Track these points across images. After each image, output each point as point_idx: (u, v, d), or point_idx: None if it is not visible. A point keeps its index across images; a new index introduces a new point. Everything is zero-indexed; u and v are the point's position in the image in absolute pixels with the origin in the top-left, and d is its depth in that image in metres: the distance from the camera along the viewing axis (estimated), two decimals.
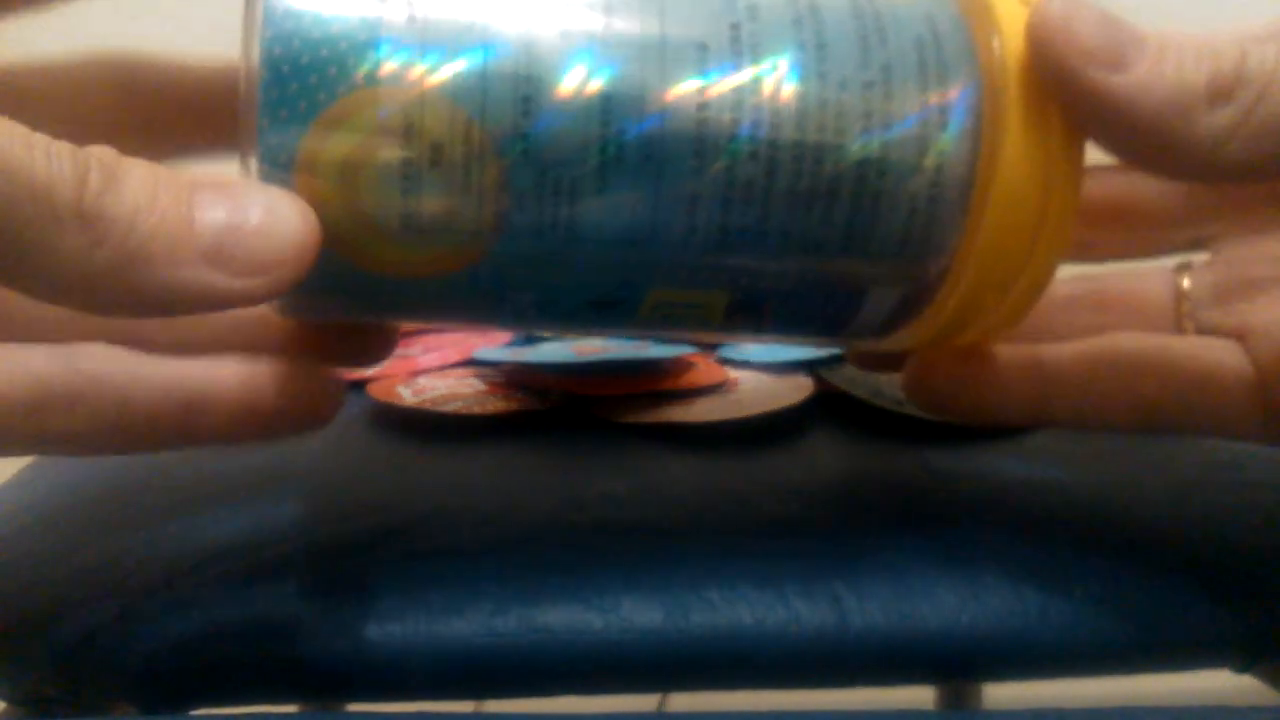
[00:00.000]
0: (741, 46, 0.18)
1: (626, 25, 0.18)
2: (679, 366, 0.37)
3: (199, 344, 0.20)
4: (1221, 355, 0.23)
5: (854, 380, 0.35)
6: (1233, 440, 0.24)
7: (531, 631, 0.24)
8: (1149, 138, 0.18)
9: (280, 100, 0.17)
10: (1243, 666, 0.27)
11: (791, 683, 0.25)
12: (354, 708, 0.25)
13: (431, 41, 0.18)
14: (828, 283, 0.21)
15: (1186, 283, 0.25)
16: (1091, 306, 0.26)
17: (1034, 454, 0.32)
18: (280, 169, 0.18)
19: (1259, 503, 0.29)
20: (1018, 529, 0.27)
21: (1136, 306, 0.26)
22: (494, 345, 0.41)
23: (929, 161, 0.19)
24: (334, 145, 0.18)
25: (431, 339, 0.44)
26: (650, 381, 0.36)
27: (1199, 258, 0.25)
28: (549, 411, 0.34)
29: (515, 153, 0.18)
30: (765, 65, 0.19)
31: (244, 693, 0.24)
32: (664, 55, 0.18)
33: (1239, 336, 0.23)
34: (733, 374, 0.37)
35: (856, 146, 0.19)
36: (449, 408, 0.34)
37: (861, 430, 0.34)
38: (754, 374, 0.37)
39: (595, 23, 0.18)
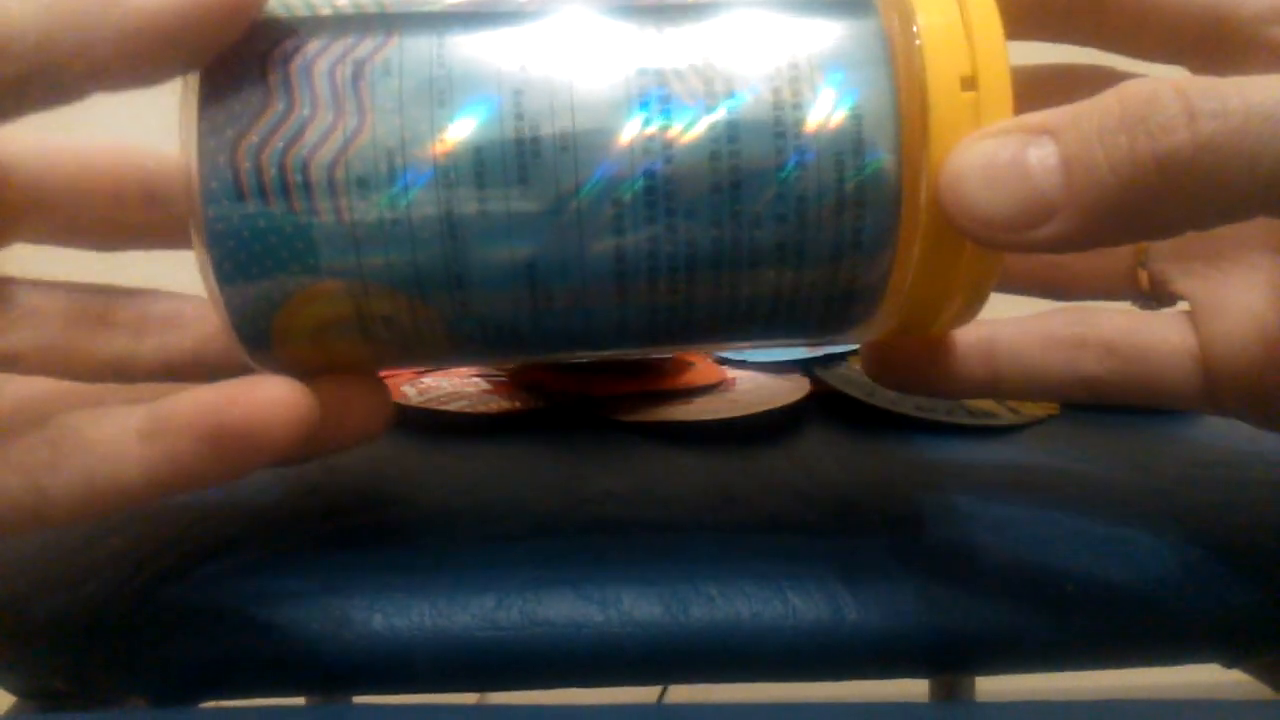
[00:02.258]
0: (657, 210, 0.19)
1: (540, 195, 0.19)
2: (678, 366, 0.37)
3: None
4: (1164, 328, 0.23)
5: (850, 380, 0.36)
6: (1175, 408, 0.24)
7: (533, 625, 0.25)
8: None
9: (240, 302, 0.20)
10: (1231, 661, 0.28)
11: (788, 676, 0.25)
12: (359, 699, 0.26)
13: (364, 240, 0.19)
14: (757, 308, 0.21)
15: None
16: (1049, 264, 0.26)
17: (1026, 453, 0.32)
18: (257, 343, 0.20)
19: (1247, 499, 0.30)
20: (1009, 526, 0.28)
21: (1092, 263, 0.25)
22: None
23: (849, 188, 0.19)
24: (297, 325, 0.20)
25: None
26: (650, 381, 0.36)
27: None
28: (551, 410, 0.35)
29: (455, 315, 0.20)
30: (679, 220, 0.19)
31: (251, 685, 0.25)
32: (579, 222, 0.19)
33: (1186, 299, 0.23)
34: (731, 373, 0.38)
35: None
36: (453, 406, 0.34)
37: (857, 429, 0.34)
38: (752, 374, 0.38)
39: (514, 199, 0.19)
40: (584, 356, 0.23)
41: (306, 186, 0.19)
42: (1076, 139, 0.17)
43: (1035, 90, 0.23)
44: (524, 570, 0.26)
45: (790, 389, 0.35)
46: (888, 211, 0.19)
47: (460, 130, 0.19)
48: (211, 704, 0.25)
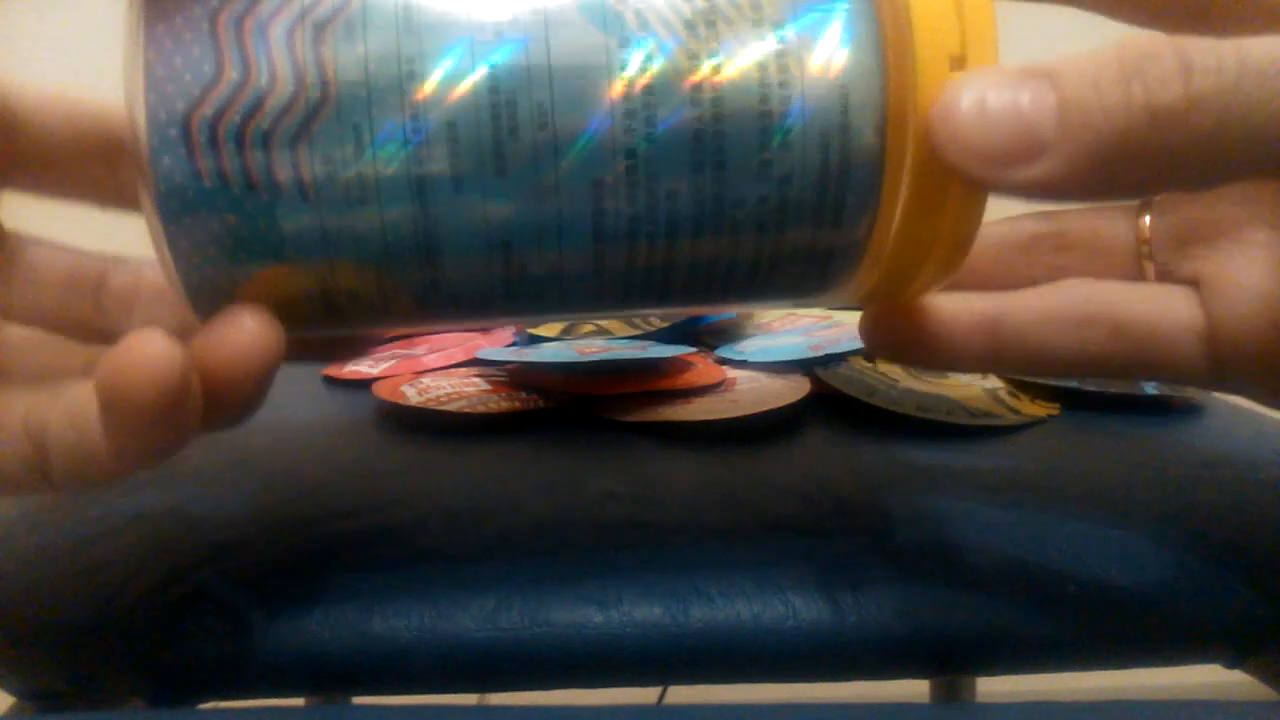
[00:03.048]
0: (637, 177, 0.19)
1: (517, 167, 0.19)
2: (678, 366, 0.37)
3: None
4: (1172, 304, 0.23)
5: (850, 380, 0.36)
6: (1181, 384, 0.24)
7: (534, 626, 0.25)
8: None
9: (198, 281, 0.19)
10: (1234, 662, 0.28)
11: (788, 676, 0.25)
12: (359, 700, 0.26)
13: (330, 217, 0.18)
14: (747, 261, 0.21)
15: (1147, 222, 0.25)
16: (1053, 247, 0.26)
17: (1026, 453, 0.32)
18: (214, 305, 0.19)
19: (1248, 500, 0.30)
20: (1010, 526, 0.28)
21: (1098, 247, 0.26)
22: (497, 345, 0.41)
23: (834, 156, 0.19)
24: (260, 296, 0.19)
25: (436, 340, 0.45)
26: (650, 381, 0.36)
27: (1162, 198, 0.25)
28: (551, 410, 0.35)
29: (425, 288, 0.19)
30: (660, 187, 0.19)
31: (251, 686, 0.25)
32: (558, 193, 0.19)
33: (1194, 283, 0.23)
34: (731, 374, 0.38)
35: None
36: (453, 407, 0.34)
37: (857, 429, 0.34)
38: (751, 374, 0.38)
39: (489, 172, 0.18)
40: (556, 319, 0.22)
41: (268, 166, 0.18)
42: (1074, 83, 0.17)
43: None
44: (524, 571, 0.26)
45: (790, 389, 0.35)
46: (871, 179, 0.19)
47: (432, 101, 0.18)
48: (211, 704, 0.25)
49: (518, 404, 0.34)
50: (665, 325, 0.41)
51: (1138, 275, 0.25)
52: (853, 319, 0.45)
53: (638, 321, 0.41)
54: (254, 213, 0.18)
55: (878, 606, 0.25)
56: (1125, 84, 0.17)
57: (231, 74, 0.17)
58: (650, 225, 0.19)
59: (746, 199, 0.19)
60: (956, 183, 0.19)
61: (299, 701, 0.26)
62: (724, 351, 0.40)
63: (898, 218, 0.20)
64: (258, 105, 0.18)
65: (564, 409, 0.35)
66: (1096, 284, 0.24)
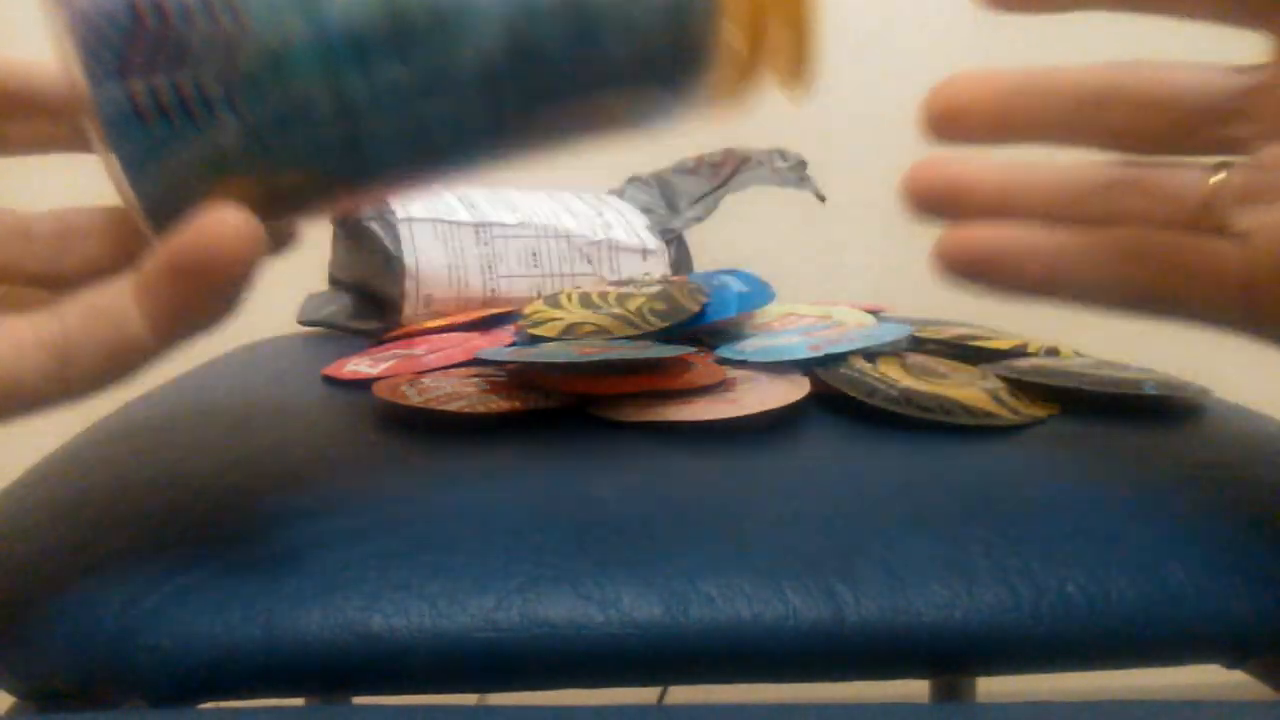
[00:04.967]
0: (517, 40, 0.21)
1: (422, 59, 0.21)
2: (678, 366, 0.37)
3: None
4: (1220, 250, 0.25)
5: (850, 380, 0.36)
6: (1216, 328, 0.26)
7: (533, 625, 0.25)
8: None
9: (152, 205, 0.22)
10: (1234, 662, 0.28)
11: (788, 676, 0.26)
12: (359, 700, 0.26)
13: (266, 134, 0.21)
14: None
15: (1218, 179, 0.26)
16: (1128, 190, 0.27)
17: (1026, 453, 0.32)
18: (171, 219, 0.22)
19: (1248, 500, 0.30)
20: (1009, 526, 0.28)
21: (1168, 194, 0.27)
22: (497, 345, 0.41)
23: None
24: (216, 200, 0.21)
25: (437, 340, 0.45)
26: (650, 381, 0.36)
27: (1237, 159, 0.26)
28: (551, 410, 0.35)
29: (359, 175, 0.22)
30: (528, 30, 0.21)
31: (251, 686, 0.25)
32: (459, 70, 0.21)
33: (1244, 235, 0.25)
34: (731, 373, 0.38)
35: None
36: (453, 406, 0.34)
37: (857, 429, 0.34)
38: (752, 374, 0.38)
39: (395, 67, 0.21)
40: (458, 166, 0.24)
41: (202, 99, 0.20)
42: None
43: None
44: (523, 570, 0.26)
45: (790, 389, 0.35)
46: None
47: (337, 13, 0.20)
48: (210, 705, 0.24)
49: (518, 404, 0.34)
50: (665, 325, 0.41)
51: (1198, 224, 0.27)
52: (852, 319, 0.46)
53: (638, 322, 0.41)
54: (197, 142, 0.21)
55: (877, 606, 0.25)
56: None
57: (148, 23, 0.20)
58: (529, 50, 0.21)
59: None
60: None
61: (298, 701, 0.26)
62: (724, 351, 0.40)
63: None
64: (183, 50, 0.20)
65: (564, 409, 0.35)
66: (1149, 230, 0.26)
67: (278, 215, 0.23)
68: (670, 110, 0.24)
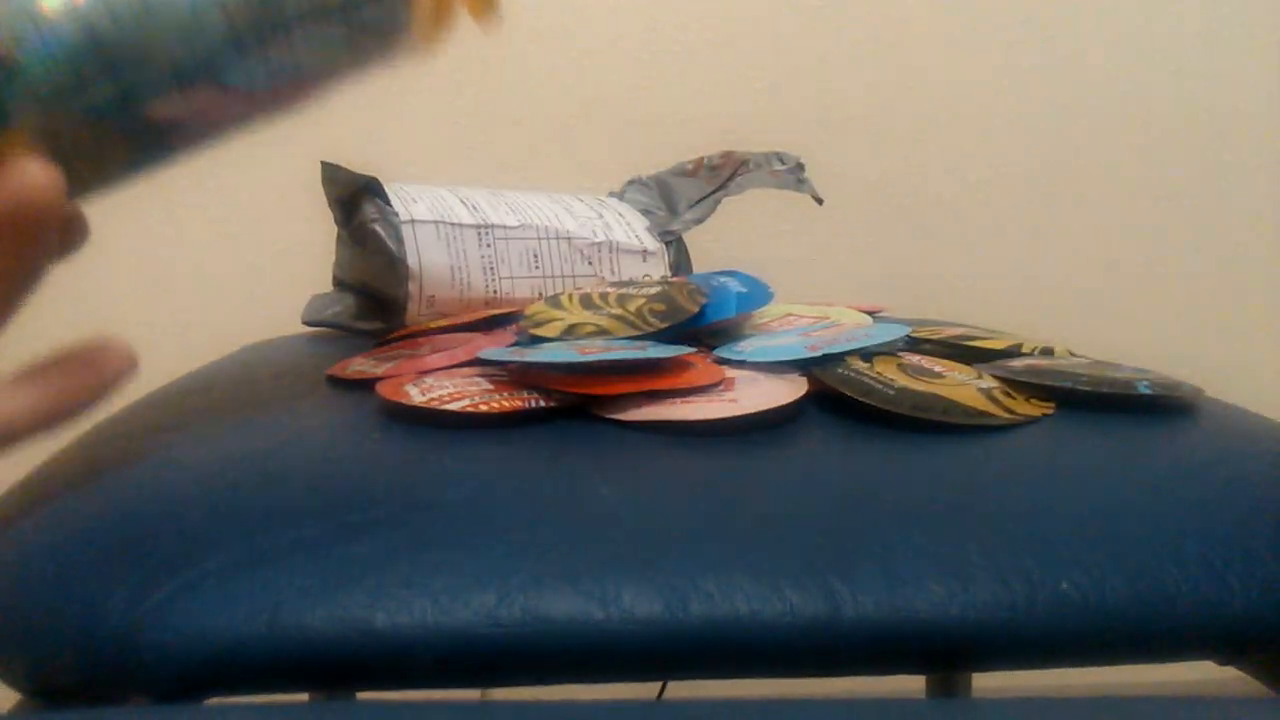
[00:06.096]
0: None
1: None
2: (678, 366, 0.38)
3: None
4: None
5: (848, 380, 0.36)
6: None
7: (535, 622, 0.25)
8: None
9: None
10: (1227, 659, 0.28)
11: (786, 672, 0.26)
12: (362, 696, 0.26)
13: (39, 87, 0.23)
14: None
15: None
16: None
17: (1022, 451, 0.33)
18: None
19: (1242, 498, 0.30)
20: (1005, 524, 0.28)
21: None
22: (499, 346, 0.41)
23: None
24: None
25: (439, 340, 0.45)
26: (650, 380, 0.36)
27: None
28: (552, 410, 0.35)
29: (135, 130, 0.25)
30: None
31: (254, 682, 0.25)
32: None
33: None
34: (730, 373, 0.38)
35: None
36: (455, 406, 0.34)
37: (854, 428, 0.34)
38: (750, 373, 0.38)
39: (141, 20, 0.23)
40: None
41: None
42: None
43: None
44: (525, 568, 0.26)
45: (789, 389, 0.36)
46: None
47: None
48: (214, 701, 0.25)
49: (519, 403, 0.35)
50: (665, 326, 0.41)
51: None
52: (850, 319, 0.46)
53: (638, 322, 0.41)
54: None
55: (874, 603, 0.26)
56: None
57: None
58: None
59: None
60: None
61: (303, 697, 0.27)
62: (723, 351, 0.40)
63: None
64: None
65: (565, 408, 0.35)
66: None
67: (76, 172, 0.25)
68: (378, 50, 0.26)
